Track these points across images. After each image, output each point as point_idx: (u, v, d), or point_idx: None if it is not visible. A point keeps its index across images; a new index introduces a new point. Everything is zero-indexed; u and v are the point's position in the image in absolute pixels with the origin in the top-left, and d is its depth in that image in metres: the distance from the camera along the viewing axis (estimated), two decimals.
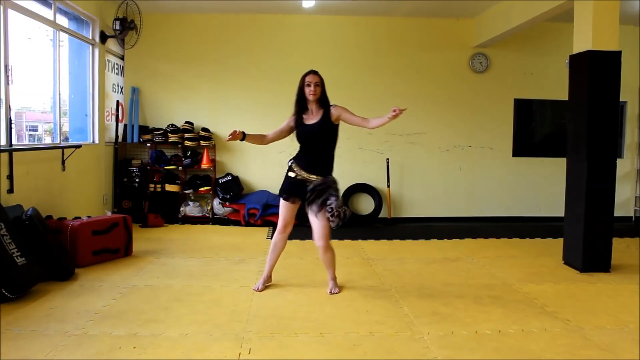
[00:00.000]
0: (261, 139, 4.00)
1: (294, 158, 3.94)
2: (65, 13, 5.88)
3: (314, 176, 3.84)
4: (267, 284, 4.12)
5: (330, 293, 3.98)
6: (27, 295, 3.72)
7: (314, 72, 3.88)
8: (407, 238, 6.24)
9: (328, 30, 7.40)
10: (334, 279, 4.08)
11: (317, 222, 3.83)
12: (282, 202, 3.96)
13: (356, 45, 7.48)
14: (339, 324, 3.33)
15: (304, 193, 3.84)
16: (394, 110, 3.52)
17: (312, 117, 3.88)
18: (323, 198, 3.77)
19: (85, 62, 6.32)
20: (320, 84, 3.86)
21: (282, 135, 3.99)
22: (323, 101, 3.88)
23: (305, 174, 3.85)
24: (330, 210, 3.69)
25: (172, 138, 7.04)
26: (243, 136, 3.84)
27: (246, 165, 7.44)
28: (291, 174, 3.90)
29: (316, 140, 3.86)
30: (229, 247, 5.61)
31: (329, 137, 3.87)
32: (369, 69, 7.43)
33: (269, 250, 4.15)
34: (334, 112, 3.84)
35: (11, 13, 4.59)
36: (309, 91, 3.83)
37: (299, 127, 3.90)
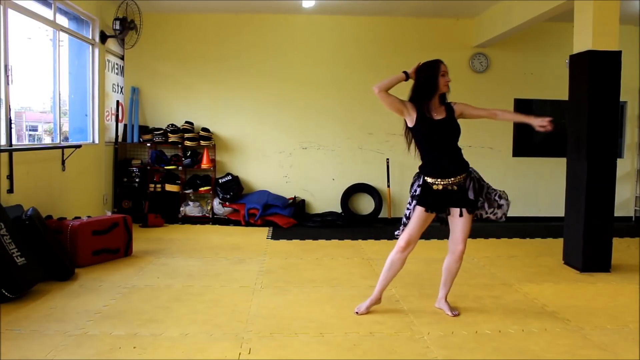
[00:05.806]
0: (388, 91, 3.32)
1: (423, 171, 3.39)
2: (65, 13, 5.88)
3: (460, 177, 3.35)
4: (374, 305, 3.56)
5: (453, 314, 3.50)
6: (27, 295, 3.72)
7: (442, 61, 3.37)
8: None
9: (328, 30, 7.40)
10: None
11: (463, 223, 3.37)
12: (418, 214, 3.35)
13: (356, 45, 7.48)
14: (339, 324, 3.33)
15: (448, 202, 3.37)
16: (545, 122, 3.23)
17: (437, 113, 3.34)
18: (487, 197, 3.39)
19: (85, 62, 6.32)
20: None
21: (393, 104, 3.31)
22: (444, 96, 3.40)
23: (450, 180, 3.33)
24: (505, 205, 3.39)
25: (172, 138, 7.04)
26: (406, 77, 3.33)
27: (246, 165, 7.44)
28: (435, 187, 3.34)
29: (452, 137, 3.37)
30: (229, 247, 5.60)
31: (459, 132, 3.41)
32: (369, 69, 7.42)
33: (384, 269, 3.52)
34: (457, 109, 3.38)
35: (11, 13, 4.58)
36: (444, 82, 3.29)
37: (427, 124, 3.30)
